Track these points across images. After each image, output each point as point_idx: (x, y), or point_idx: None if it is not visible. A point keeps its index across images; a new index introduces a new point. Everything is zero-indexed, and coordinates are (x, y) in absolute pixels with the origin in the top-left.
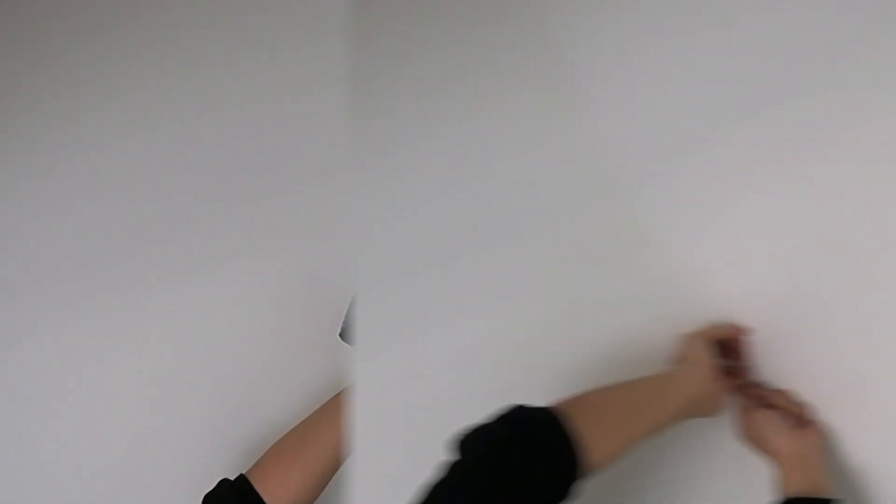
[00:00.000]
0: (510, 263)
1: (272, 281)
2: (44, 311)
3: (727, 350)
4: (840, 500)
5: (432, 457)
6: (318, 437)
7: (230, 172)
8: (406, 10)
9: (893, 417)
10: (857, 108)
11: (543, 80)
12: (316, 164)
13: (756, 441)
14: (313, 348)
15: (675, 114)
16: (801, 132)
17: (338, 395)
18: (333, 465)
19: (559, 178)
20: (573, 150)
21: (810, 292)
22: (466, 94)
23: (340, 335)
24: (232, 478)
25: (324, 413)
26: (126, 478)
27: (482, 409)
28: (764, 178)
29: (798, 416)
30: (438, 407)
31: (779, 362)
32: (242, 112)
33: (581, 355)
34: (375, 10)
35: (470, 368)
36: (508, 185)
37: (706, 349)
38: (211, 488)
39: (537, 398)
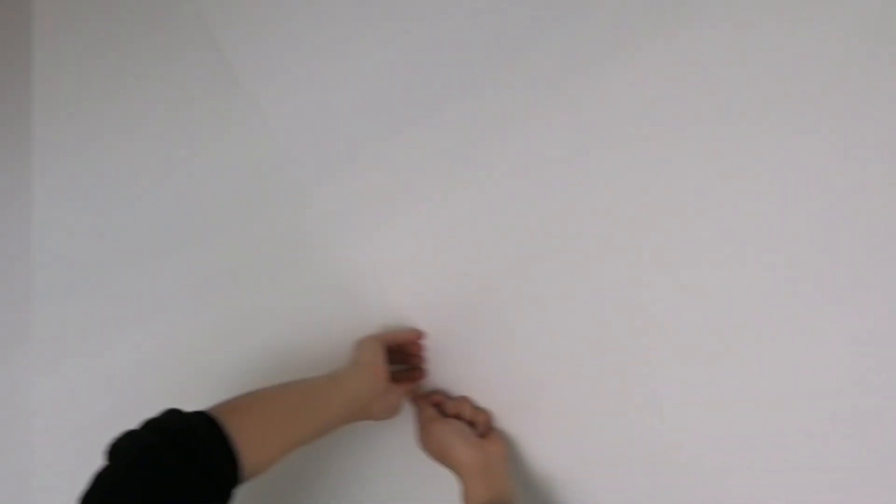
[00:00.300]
0: (182, 271)
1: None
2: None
3: (403, 355)
4: None
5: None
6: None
7: None
8: (75, 17)
9: (567, 423)
10: (530, 108)
11: (210, 88)
12: None
13: (438, 452)
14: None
15: (345, 118)
16: (474, 135)
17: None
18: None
19: (229, 186)
20: (242, 157)
21: (487, 298)
22: (133, 104)
23: None
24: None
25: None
26: None
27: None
28: (439, 182)
29: (480, 426)
30: (111, 415)
31: (457, 369)
32: None
33: (254, 361)
34: (47, 21)
35: (144, 376)
36: (178, 194)
37: (378, 352)
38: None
39: (208, 404)
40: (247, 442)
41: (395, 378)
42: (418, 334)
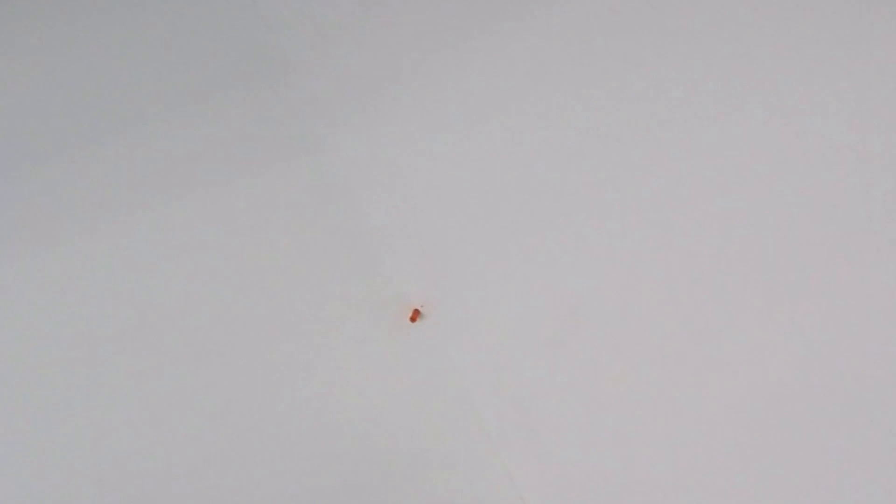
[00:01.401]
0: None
1: None
2: None
3: None
4: None
5: None
6: None
7: None
8: None
9: None
10: None
11: None
12: None
13: None
14: None
15: None
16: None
17: None
18: None
19: (209, 58)
20: (224, 28)
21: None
22: None
23: None
24: None
25: None
26: None
27: None
28: (431, 65)
29: None
30: None
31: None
32: None
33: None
34: None
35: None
36: (157, 62)
37: None
38: None
39: None
40: None
41: None
42: None
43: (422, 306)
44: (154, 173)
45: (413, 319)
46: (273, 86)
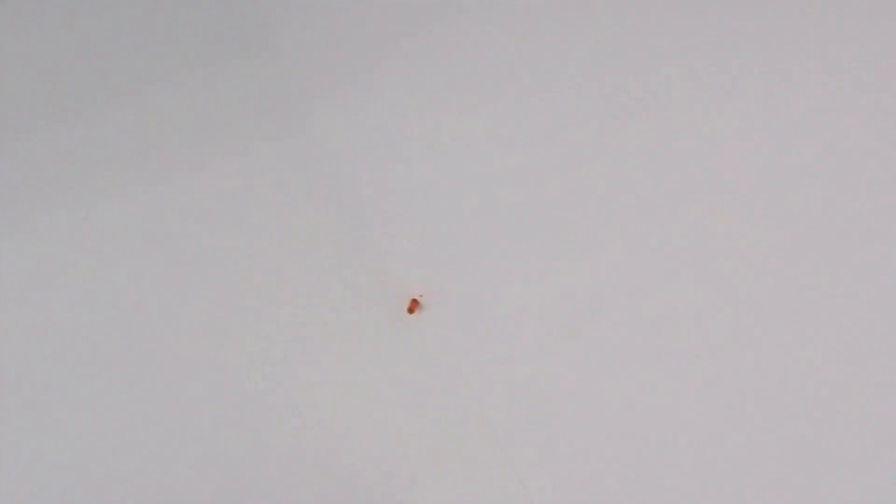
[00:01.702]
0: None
1: None
2: None
3: None
4: None
5: None
6: None
7: None
8: None
9: None
10: None
11: None
12: None
13: None
14: None
15: None
16: None
17: None
18: None
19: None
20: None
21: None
22: None
23: None
24: None
25: None
26: None
27: None
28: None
29: None
30: None
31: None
32: None
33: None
34: None
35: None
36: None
37: None
38: None
39: None
40: None
41: None
42: None
43: (421, 296)
44: (125, 154)
45: (411, 311)
46: (256, 56)
